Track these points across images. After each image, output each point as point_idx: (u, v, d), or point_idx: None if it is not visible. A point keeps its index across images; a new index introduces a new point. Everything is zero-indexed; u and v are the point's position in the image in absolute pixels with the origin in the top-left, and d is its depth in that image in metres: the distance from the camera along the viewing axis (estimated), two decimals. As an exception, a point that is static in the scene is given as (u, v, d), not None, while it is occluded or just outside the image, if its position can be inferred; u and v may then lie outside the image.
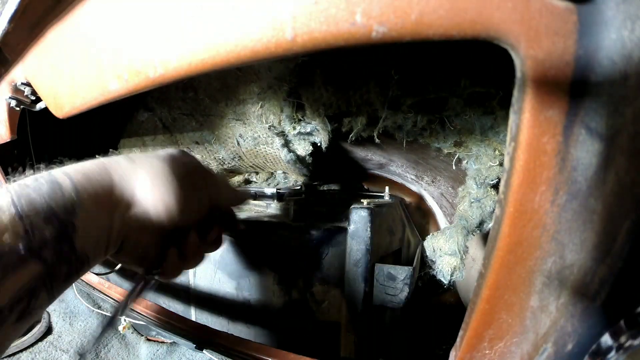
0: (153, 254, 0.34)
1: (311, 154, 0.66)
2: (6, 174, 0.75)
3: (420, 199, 0.83)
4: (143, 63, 0.32)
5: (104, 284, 0.73)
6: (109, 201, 0.30)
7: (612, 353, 0.20)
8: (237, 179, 0.93)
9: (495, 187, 0.51)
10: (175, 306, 0.71)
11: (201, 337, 0.56)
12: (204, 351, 0.63)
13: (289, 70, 0.56)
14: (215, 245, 0.41)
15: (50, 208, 0.26)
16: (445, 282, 0.53)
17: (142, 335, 1.13)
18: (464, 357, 0.28)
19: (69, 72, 0.42)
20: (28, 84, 0.51)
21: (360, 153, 0.76)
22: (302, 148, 0.66)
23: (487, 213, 0.51)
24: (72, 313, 1.14)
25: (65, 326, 1.10)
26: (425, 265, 0.59)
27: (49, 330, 1.08)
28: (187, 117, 0.77)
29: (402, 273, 0.52)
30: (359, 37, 0.21)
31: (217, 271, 0.64)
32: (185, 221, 0.34)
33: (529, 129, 0.20)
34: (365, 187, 0.90)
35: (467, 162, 0.53)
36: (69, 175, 0.28)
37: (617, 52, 0.18)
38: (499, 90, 0.43)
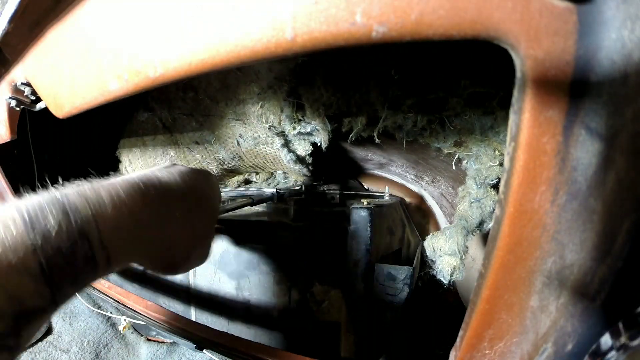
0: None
1: (311, 154, 0.66)
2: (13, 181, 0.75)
3: (420, 199, 0.83)
4: (143, 63, 0.32)
5: (104, 284, 0.73)
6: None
7: (612, 353, 0.20)
8: (237, 179, 0.93)
9: (495, 187, 0.51)
10: (175, 306, 0.71)
11: (201, 337, 0.56)
12: (204, 351, 0.63)
13: (289, 70, 0.56)
14: None
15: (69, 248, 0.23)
16: (445, 282, 0.53)
17: (142, 335, 1.13)
18: (464, 357, 0.28)
19: (69, 72, 0.42)
20: (28, 84, 0.51)
21: (360, 153, 0.76)
22: (302, 148, 0.66)
23: (487, 213, 0.51)
24: (72, 313, 1.14)
25: (65, 326, 1.10)
26: (425, 265, 0.59)
27: (49, 330, 1.08)
28: (187, 117, 0.77)
29: (402, 273, 0.52)
30: (359, 37, 0.21)
31: (217, 271, 0.64)
32: None
33: (529, 129, 0.20)
34: (366, 187, 0.90)
35: (467, 162, 0.53)
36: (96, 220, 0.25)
37: (617, 52, 0.18)
38: (499, 91, 0.43)
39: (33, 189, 0.26)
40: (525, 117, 0.20)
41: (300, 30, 0.23)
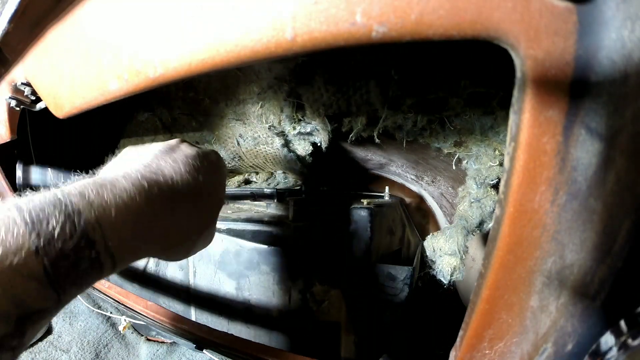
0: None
1: (311, 154, 0.67)
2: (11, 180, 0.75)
3: (420, 199, 0.83)
4: (143, 63, 0.32)
5: (104, 284, 0.73)
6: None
7: (612, 353, 0.20)
8: (237, 179, 0.93)
9: (495, 187, 0.51)
10: (175, 306, 0.71)
11: (201, 337, 0.56)
12: (204, 351, 0.63)
13: (289, 70, 0.56)
14: None
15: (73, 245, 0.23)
16: (445, 282, 0.53)
17: (142, 335, 1.13)
18: (464, 357, 0.28)
19: (69, 72, 0.42)
20: (28, 84, 0.51)
21: (360, 153, 0.76)
22: (302, 148, 0.66)
23: (487, 213, 0.51)
24: (72, 313, 1.14)
25: (65, 326, 1.10)
26: (425, 265, 0.59)
27: (49, 330, 1.08)
28: (187, 117, 0.77)
29: (402, 273, 0.52)
30: (359, 37, 0.21)
31: (217, 271, 0.64)
32: None
33: (529, 129, 0.20)
34: (365, 187, 0.90)
35: (467, 162, 0.53)
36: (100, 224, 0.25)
37: (617, 52, 0.18)
38: (499, 91, 0.43)
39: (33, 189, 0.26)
40: (525, 117, 0.20)
41: (300, 30, 0.23)
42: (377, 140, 0.56)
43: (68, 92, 0.43)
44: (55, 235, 0.22)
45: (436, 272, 0.54)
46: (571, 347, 0.23)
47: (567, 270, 0.22)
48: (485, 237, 0.52)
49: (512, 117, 0.21)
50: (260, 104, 0.62)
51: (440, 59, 0.46)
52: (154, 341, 1.12)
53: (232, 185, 0.93)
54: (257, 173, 0.91)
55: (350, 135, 0.57)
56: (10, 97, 0.53)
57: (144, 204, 0.28)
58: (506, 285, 0.24)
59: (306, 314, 0.57)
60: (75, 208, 0.24)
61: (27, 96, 0.53)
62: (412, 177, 0.79)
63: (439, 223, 0.79)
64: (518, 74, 0.20)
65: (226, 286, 0.63)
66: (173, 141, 0.35)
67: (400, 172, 0.81)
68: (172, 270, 0.72)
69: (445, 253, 0.53)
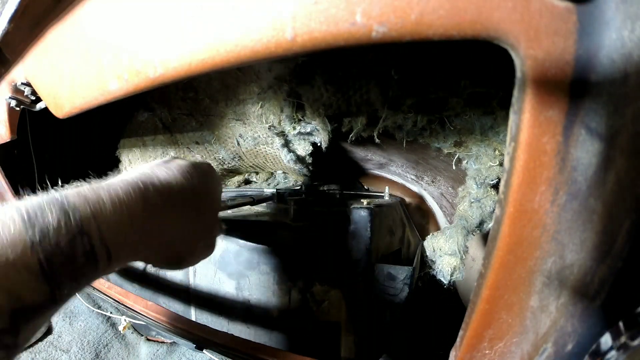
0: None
1: (311, 154, 0.67)
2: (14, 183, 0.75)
3: (420, 199, 0.83)
4: (143, 63, 0.32)
5: (104, 284, 0.73)
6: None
7: (612, 353, 0.20)
8: (237, 179, 0.93)
9: (495, 187, 0.51)
10: (175, 306, 0.71)
11: (201, 337, 0.56)
12: (204, 351, 0.63)
13: (289, 70, 0.56)
14: None
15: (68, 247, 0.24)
16: (445, 282, 0.53)
17: (142, 335, 1.13)
18: (464, 357, 0.28)
19: (69, 72, 0.42)
20: (28, 84, 0.51)
21: (360, 153, 0.76)
22: (302, 148, 0.66)
23: (487, 213, 0.51)
24: (72, 313, 1.14)
25: (65, 326, 1.10)
26: (425, 265, 0.59)
27: (49, 330, 1.08)
28: (187, 117, 0.77)
29: (402, 273, 0.52)
30: (359, 37, 0.21)
31: (217, 271, 0.64)
32: None
33: (529, 129, 0.20)
34: (366, 187, 0.90)
35: (467, 162, 0.53)
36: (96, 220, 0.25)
37: (617, 52, 0.18)
38: (499, 91, 0.43)
39: (33, 189, 0.26)
40: (525, 117, 0.20)
41: (300, 30, 0.23)
42: (377, 140, 0.56)
43: (68, 92, 0.43)
44: (51, 229, 0.23)
45: (436, 272, 0.54)
46: (571, 347, 0.23)
47: (567, 270, 0.22)
48: (485, 237, 0.52)
49: (512, 117, 0.21)
50: (260, 104, 0.62)
51: (441, 59, 0.46)
52: (154, 341, 1.12)
53: (232, 185, 0.94)
54: (257, 173, 0.91)
55: (350, 135, 0.57)
56: (10, 97, 0.53)
57: (140, 201, 0.28)
58: (506, 285, 0.24)
59: (306, 314, 0.56)
60: (72, 204, 0.24)
61: (27, 96, 0.53)
62: (412, 177, 0.79)
63: (439, 223, 0.79)
64: (518, 74, 0.20)
65: (226, 286, 0.63)
66: (167, 157, 0.37)
67: (400, 172, 0.81)
68: (171, 271, 0.72)
69: (445, 253, 0.53)
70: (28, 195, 0.25)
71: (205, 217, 0.36)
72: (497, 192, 0.27)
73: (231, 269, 0.62)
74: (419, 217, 0.82)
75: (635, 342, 0.19)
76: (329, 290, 0.55)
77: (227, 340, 0.53)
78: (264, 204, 0.74)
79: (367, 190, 0.88)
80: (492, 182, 0.50)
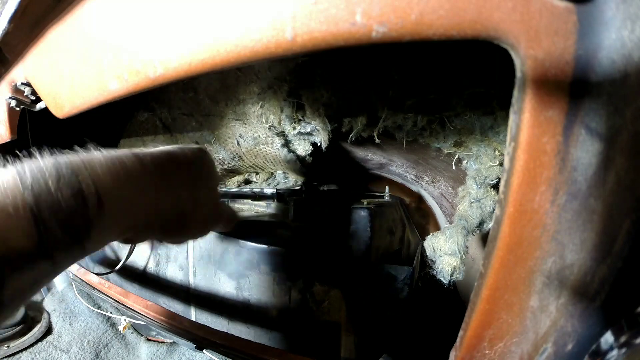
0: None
1: (311, 154, 0.66)
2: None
3: (420, 199, 0.83)
4: (143, 63, 0.32)
5: (104, 284, 0.73)
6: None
7: (612, 353, 0.20)
8: (237, 179, 0.93)
9: (495, 187, 0.51)
10: (175, 306, 0.71)
11: (201, 337, 0.56)
12: (204, 351, 0.63)
13: (289, 70, 0.56)
14: None
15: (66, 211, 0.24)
16: (445, 282, 0.52)
17: (142, 335, 1.13)
18: (464, 357, 0.28)
19: (69, 72, 0.42)
20: (28, 84, 0.51)
21: (360, 153, 0.76)
22: (302, 148, 0.66)
23: (487, 213, 0.51)
24: (72, 313, 1.14)
25: (65, 326, 1.10)
26: (425, 265, 0.59)
27: (49, 330, 1.08)
28: (187, 117, 0.77)
29: (402, 273, 0.52)
30: (359, 37, 0.21)
31: (217, 271, 0.64)
32: None
33: (529, 129, 0.20)
34: (366, 187, 0.90)
35: (467, 162, 0.53)
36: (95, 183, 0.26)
37: (617, 52, 0.18)
38: (499, 91, 0.43)
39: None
40: (525, 117, 0.20)
41: (300, 30, 0.23)
42: (377, 140, 0.56)
43: (68, 92, 0.43)
44: (42, 178, 0.24)
45: (436, 272, 0.54)
46: (571, 347, 0.23)
47: (567, 270, 0.22)
48: (485, 237, 0.52)
49: (512, 117, 0.21)
50: (260, 104, 0.62)
51: (441, 59, 0.46)
52: (154, 341, 1.12)
53: (232, 185, 0.93)
54: (257, 173, 0.91)
55: (350, 135, 0.57)
56: (10, 97, 0.53)
57: (135, 161, 0.29)
58: (506, 285, 0.24)
59: (306, 314, 0.56)
60: (64, 159, 0.26)
61: (27, 96, 0.53)
62: (412, 177, 0.79)
63: (439, 223, 0.79)
64: (518, 74, 0.20)
65: (226, 286, 0.63)
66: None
67: (400, 172, 0.81)
68: (172, 270, 0.72)
69: (445, 253, 0.53)
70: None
71: (206, 183, 0.36)
72: (497, 192, 0.27)
73: (231, 269, 0.62)
74: (419, 217, 0.82)
75: (636, 342, 0.19)
76: (329, 290, 0.55)
77: (227, 340, 0.53)
78: (264, 204, 0.74)
79: (367, 190, 0.88)
80: (492, 182, 0.50)
